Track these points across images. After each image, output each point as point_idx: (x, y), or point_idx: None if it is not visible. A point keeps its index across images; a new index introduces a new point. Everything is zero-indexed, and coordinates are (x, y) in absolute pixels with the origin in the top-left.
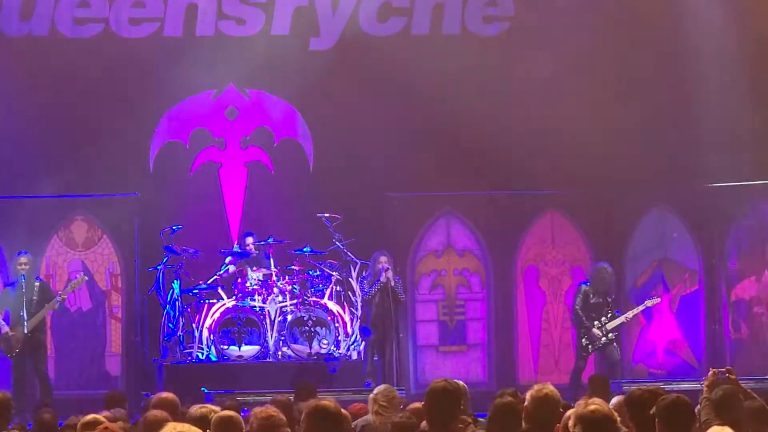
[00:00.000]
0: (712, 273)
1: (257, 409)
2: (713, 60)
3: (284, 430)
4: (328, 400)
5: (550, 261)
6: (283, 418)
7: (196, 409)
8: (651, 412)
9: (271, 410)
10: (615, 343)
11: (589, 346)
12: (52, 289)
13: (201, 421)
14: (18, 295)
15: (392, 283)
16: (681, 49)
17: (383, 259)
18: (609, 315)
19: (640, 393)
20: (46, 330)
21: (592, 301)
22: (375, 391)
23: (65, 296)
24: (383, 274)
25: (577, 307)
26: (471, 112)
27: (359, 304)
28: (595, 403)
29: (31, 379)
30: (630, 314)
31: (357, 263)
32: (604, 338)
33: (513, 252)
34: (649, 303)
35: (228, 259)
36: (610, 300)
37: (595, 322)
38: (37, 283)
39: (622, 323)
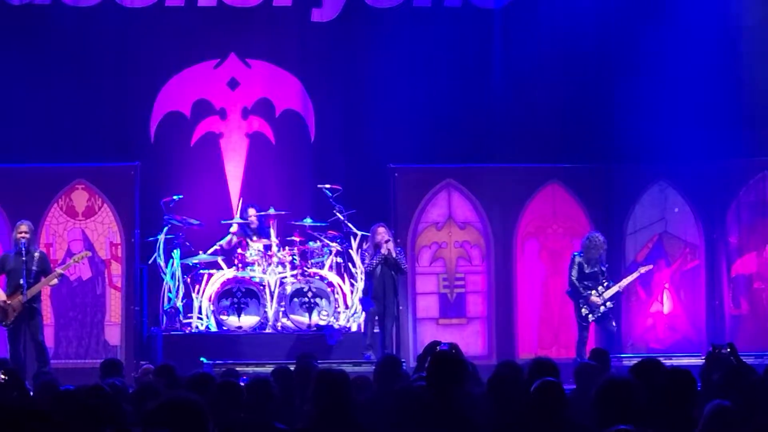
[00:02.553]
0: (713, 248)
1: None
2: (717, 35)
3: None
4: (336, 369)
5: (550, 234)
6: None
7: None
8: (653, 383)
9: None
10: (611, 315)
11: (589, 315)
12: (51, 261)
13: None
14: (17, 263)
15: (393, 254)
16: (685, 23)
17: (382, 230)
18: (605, 284)
19: (640, 366)
20: (41, 299)
21: (587, 271)
22: None
23: (64, 270)
24: (383, 245)
25: (573, 277)
26: (472, 85)
27: (359, 275)
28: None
29: (28, 348)
30: (624, 282)
31: (357, 235)
32: (602, 306)
33: (514, 225)
34: (642, 270)
35: (234, 228)
36: (604, 269)
37: (593, 291)
38: (36, 253)
39: (618, 291)
